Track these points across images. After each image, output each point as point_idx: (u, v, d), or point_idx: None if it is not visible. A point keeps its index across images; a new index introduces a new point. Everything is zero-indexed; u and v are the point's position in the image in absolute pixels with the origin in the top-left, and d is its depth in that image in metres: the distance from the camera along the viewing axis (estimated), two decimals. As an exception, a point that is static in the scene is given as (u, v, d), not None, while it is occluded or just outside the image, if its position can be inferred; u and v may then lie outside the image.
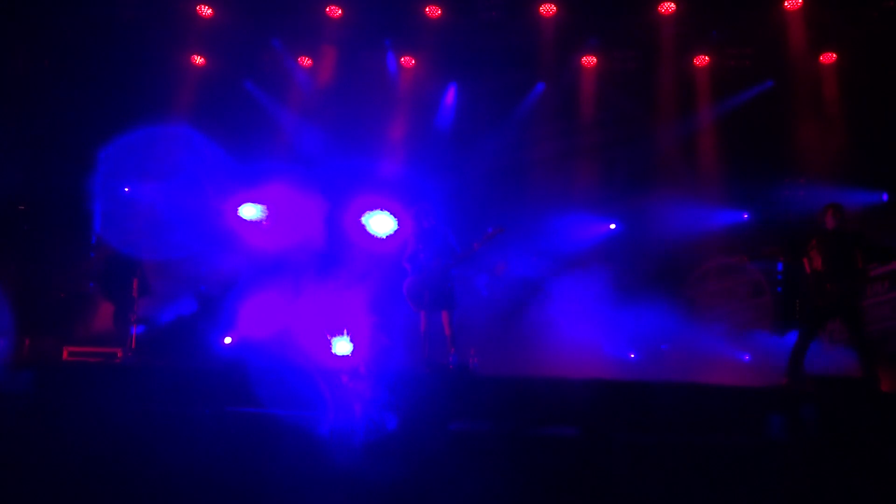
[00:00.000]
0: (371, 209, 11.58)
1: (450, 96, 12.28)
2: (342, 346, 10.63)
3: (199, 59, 11.62)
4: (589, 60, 11.62)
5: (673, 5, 10.36)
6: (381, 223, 11.49)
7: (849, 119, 10.53)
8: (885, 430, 5.56)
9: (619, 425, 5.89)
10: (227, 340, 11.17)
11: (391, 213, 11.50)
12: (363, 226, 11.50)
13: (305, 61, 11.88)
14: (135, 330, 9.73)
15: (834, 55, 10.72)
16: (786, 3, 10.14)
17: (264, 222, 11.92)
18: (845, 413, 5.70)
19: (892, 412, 5.83)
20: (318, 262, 11.39)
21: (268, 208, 11.93)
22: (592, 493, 4.67)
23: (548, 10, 10.58)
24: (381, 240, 11.35)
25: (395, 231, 11.40)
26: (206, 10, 10.84)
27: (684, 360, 10.28)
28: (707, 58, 11.31)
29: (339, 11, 10.93)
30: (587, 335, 11.03)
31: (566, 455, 5.26)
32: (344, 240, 11.52)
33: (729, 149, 11.45)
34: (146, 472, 4.90)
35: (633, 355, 11.11)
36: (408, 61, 11.97)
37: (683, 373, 9.71)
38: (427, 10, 10.79)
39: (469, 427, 5.97)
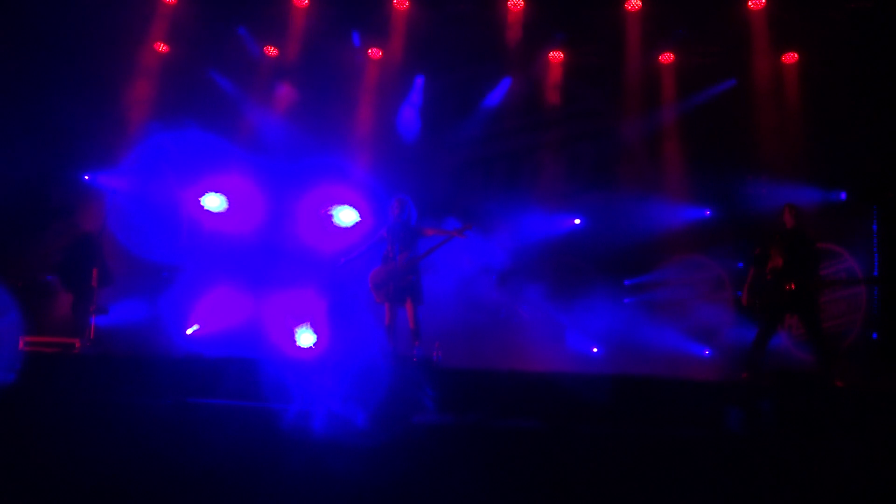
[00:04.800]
0: (336, 201, 11.55)
1: (417, 89, 12.25)
2: (306, 337, 10.63)
3: (162, 47, 11.44)
4: (556, 55, 11.66)
5: (639, 2, 10.44)
6: (346, 215, 11.47)
7: (809, 119, 10.69)
8: (839, 423, 5.67)
9: (581, 418, 5.94)
10: (190, 331, 11.09)
11: (356, 205, 11.48)
12: (329, 217, 11.47)
13: (271, 51, 11.77)
14: (94, 320, 9.60)
15: (796, 55, 10.87)
16: (749, 3, 10.27)
17: (228, 212, 11.82)
18: (802, 407, 5.80)
19: (846, 406, 5.95)
20: (282, 253, 11.33)
21: (231, 199, 11.83)
22: (556, 485, 4.70)
23: (515, 4, 10.60)
24: (346, 231, 11.33)
25: (360, 222, 11.38)
26: (170, -4, 10.72)
27: (646, 354, 10.41)
28: (672, 55, 11.41)
29: (306, 1, 10.85)
30: (550, 329, 11.13)
31: (530, 447, 5.29)
32: (309, 231, 11.46)
33: (692, 146, 11.57)
34: (105, 464, 4.84)
35: (595, 349, 11.22)
36: (375, 53, 11.92)
37: (645, 366, 9.84)
38: (395, 1, 10.76)
39: (433, 420, 5.98)
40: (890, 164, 10.13)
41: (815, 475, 4.81)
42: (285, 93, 11.98)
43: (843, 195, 10.72)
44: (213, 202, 11.74)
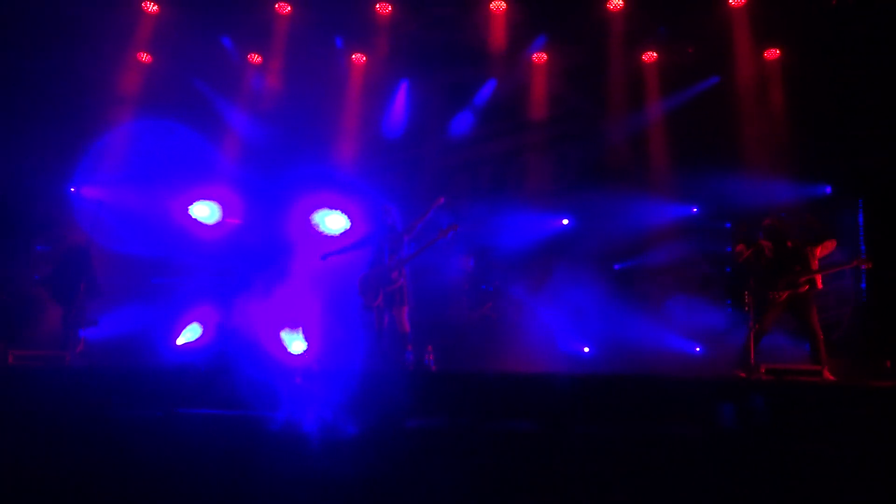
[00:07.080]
0: (324, 207, 11.53)
1: (401, 93, 12.25)
2: (296, 344, 10.60)
3: (145, 57, 11.37)
4: (540, 57, 11.67)
5: (621, 2, 10.45)
6: (334, 221, 11.45)
7: (792, 114, 10.72)
8: (832, 418, 5.69)
9: (575, 418, 5.94)
10: (180, 341, 11.05)
11: (344, 211, 11.47)
12: (316, 223, 11.45)
13: (255, 58, 11.73)
14: (84, 332, 9.55)
15: (777, 51, 10.92)
16: (730, 1, 10.30)
17: (216, 221, 11.80)
18: (795, 402, 5.82)
19: (839, 401, 5.97)
20: (272, 260, 11.29)
21: (220, 207, 11.80)
22: (551, 486, 4.70)
23: (498, 6, 10.61)
24: (334, 237, 11.32)
25: (349, 228, 11.37)
26: (151, 7, 10.65)
27: (638, 353, 10.41)
28: (655, 54, 11.44)
29: (289, 8, 10.82)
30: (542, 330, 11.12)
31: (524, 449, 5.29)
32: (297, 238, 11.43)
33: (677, 144, 11.58)
34: (97, 475, 4.80)
35: (587, 349, 11.22)
36: (359, 58, 11.90)
37: (637, 365, 9.85)
38: (378, 6, 10.74)
39: (426, 424, 5.97)
40: (874, 157, 10.18)
41: (810, 471, 4.82)
42: (269, 100, 11.94)
43: (828, 189, 10.77)
44: (203, 211, 11.71)
